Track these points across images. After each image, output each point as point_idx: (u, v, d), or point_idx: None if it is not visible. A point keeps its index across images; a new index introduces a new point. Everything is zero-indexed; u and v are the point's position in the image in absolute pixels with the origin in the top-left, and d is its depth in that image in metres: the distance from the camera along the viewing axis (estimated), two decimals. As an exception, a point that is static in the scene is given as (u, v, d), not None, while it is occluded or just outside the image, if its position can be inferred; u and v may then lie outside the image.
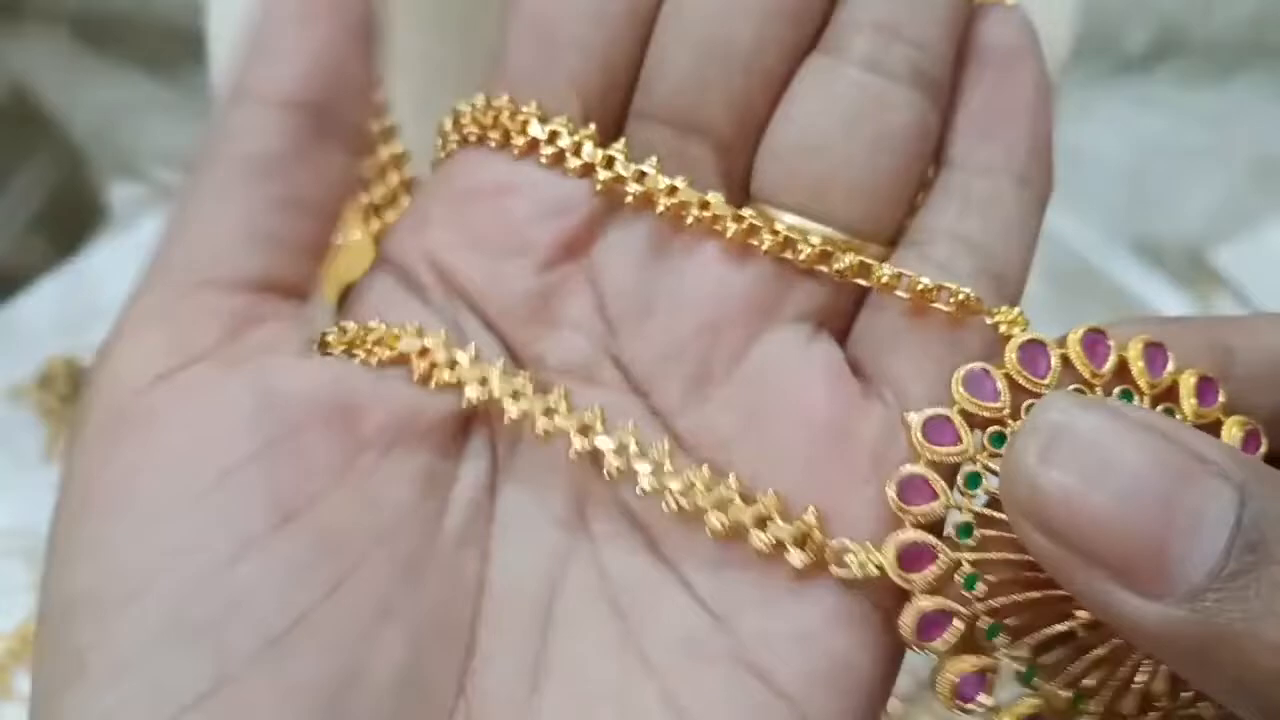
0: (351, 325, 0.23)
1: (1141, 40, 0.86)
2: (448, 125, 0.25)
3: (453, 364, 0.22)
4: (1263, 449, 0.22)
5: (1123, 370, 0.22)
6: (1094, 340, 0.22)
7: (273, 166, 0.22)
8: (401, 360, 0.22)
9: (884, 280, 0.22)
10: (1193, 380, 0.21)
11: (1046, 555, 0.19)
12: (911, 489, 0.21)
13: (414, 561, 0.21)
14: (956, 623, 0.21)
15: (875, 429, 0.22)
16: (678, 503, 0.21)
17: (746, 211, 0.23)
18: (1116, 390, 0.21)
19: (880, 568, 0.21)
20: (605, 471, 0.21)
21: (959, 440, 0.21)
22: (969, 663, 0.21)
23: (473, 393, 0.22)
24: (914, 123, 0.23)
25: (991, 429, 0.21)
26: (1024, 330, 0.22)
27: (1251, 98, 0.86)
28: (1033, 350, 0.22)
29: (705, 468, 0.22)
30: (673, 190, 0.23)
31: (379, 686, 0.20)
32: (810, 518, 0.21)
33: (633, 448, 0.21)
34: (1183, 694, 0.21)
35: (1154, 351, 0.22)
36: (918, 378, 0.22)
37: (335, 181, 0.24)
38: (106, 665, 0.19)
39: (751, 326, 0.23)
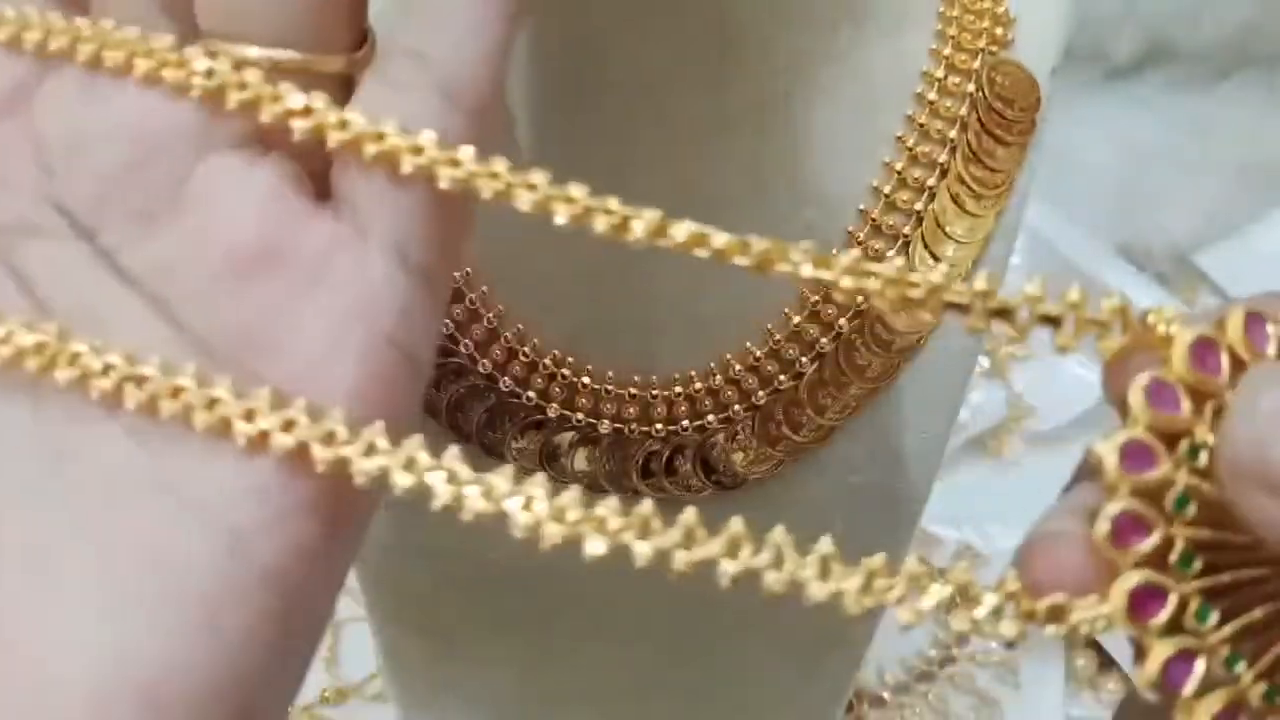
0: None
1: (1130, 48, 0.87)
2: None
3: None
4: None
5: None
6: (1254, 323, 0.21)
7: None
8: None
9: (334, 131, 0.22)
10: None
11: (1275, 519, 0.18)
12: (1125, 527, 0.19)
13: None
14: (1172, 598, 0.19)
15: (317, 244, 0.22)
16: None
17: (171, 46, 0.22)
18: None
19: (1109, 619, 0.19)
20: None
21: (1157, 463, 0.20)
22: (1176, 645, 0.19)
23: None
24: None
25: (1183, 442, 0.20)
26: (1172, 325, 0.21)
27: (1238, 104, 0.87)
28: (1202, 349, 0.20)
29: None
30: (97, 29, 0.23)
31: None
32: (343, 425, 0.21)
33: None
34: None
35: None
36: (378, 195, 0.22)
37: None
38: None
39: (188, 154, 0.22)
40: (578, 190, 0.21)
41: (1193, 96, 0.87)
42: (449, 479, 0.20)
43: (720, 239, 0.21)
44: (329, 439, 0.20)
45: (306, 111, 0.22)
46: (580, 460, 0.33)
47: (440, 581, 0.38)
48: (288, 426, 0.20)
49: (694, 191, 0.32)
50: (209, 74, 0.22)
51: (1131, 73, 0.87)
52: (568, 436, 0.33)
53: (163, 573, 0.20)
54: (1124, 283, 0.73)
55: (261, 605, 0.21)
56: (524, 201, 0.21)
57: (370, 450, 0.20)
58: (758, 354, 0.33)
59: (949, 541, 0.69)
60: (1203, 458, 0.20)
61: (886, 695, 0.62)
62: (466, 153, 0.21)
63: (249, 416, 0.20)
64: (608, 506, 0.19)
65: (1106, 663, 0.65)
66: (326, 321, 0.21)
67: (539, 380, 0.33)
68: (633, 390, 0.33)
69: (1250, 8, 0.87)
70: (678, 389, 0.33)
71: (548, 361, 0.33)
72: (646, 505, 0.20)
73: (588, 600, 0.37)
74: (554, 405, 0.33)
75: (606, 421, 0.33)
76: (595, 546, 0.19)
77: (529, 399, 0.33)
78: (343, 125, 0.22)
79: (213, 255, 0.22)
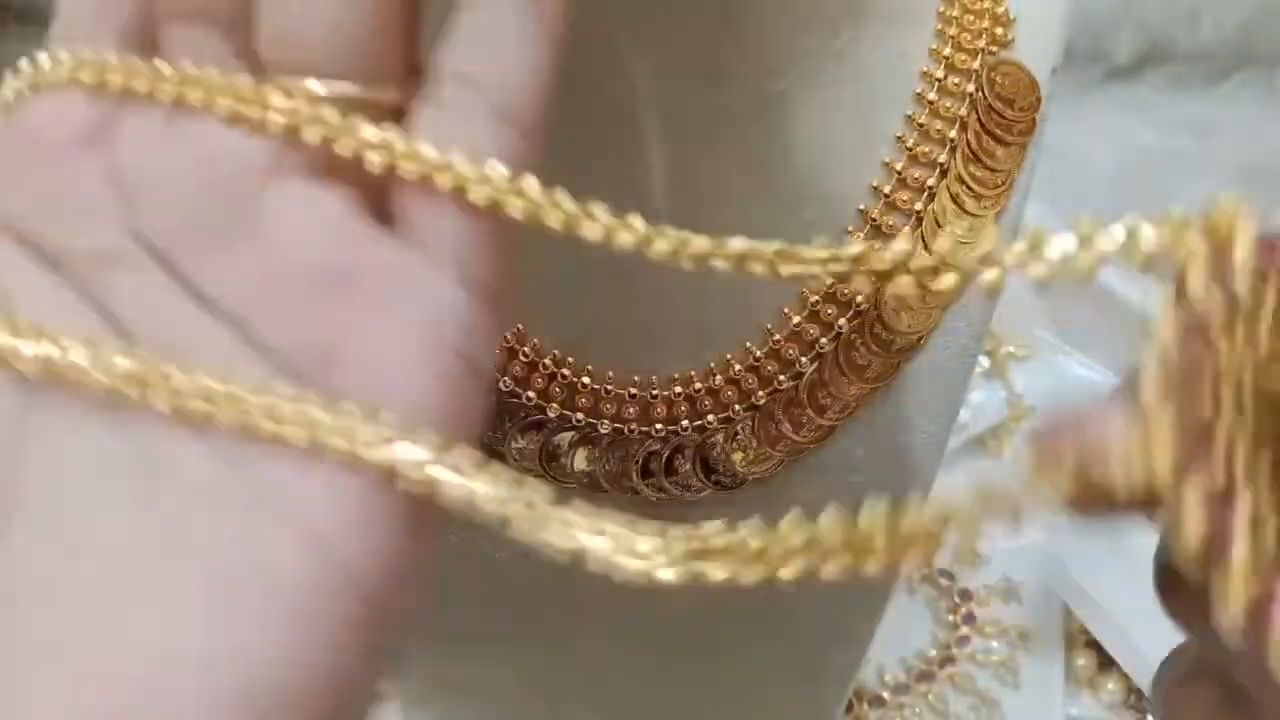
0: None
1: (1130, 48, 0.87)
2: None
3: None
4: None
5: None
6: None
7: None
8: None
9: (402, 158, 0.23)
10: None
11: None
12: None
13: None
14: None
15: (384, 265, 0.23)
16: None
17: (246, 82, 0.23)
18: None
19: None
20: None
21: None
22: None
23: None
24: None
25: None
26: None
27: (1238, 104, 0.87)
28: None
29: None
30: (176, 72, 0.24)
31: None
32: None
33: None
34: None
35: None
36: (438, 217, 0.23)
37: None
38: None
39: (261, 182, 0.23)
40: (637, 222, 0.22)
41: (1193, 96, 0.87)
42: (528, 507, 0.21)
43: (737, 244, 0.21)
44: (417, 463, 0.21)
45: (381, 145, 0.23)
46: (580, 460, 0.33)
47: (443, 582, 0.38)
48: (378, 446, 0.21)
49: (693, 188, 0.32)
50: (289, 112, 0.23)
51: (1131, 73, 0.88)
52: (568, 436, 0.33)
53: (259, 582, 0.21)
54: (1125, 283, 0.73)
55: (348, 612, 0.21)
56: (591, 231, 0.22)
57: (456, 473, 0.21)
58: (758, 354, 0.33)
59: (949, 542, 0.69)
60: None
61: (886, 695, 0.62)
62: (532, 184, 0.22)
63: (343, 435, 0.21)
64: (675, 535, 0.20)
65: (1106, 663, 0.65)
66: (398, 340, 0.22)
67: (539, 380, 0.33)
68: (633, 390, 0.33)
69: (1250, 8, 0.87)
70: (678, 389, 0.34)
71: (548, 361, 0.33)
72: (712, 527, 0.20)
73: (590, 600, 0.37)
74: (554, 405, 0.33)
75: (606, 421, 0.34)
76: (665, 575, 0.20)
77: (529, 399, 0.33)
78: (414, 157, 0.22)
79: (288, 279, 0.23)
